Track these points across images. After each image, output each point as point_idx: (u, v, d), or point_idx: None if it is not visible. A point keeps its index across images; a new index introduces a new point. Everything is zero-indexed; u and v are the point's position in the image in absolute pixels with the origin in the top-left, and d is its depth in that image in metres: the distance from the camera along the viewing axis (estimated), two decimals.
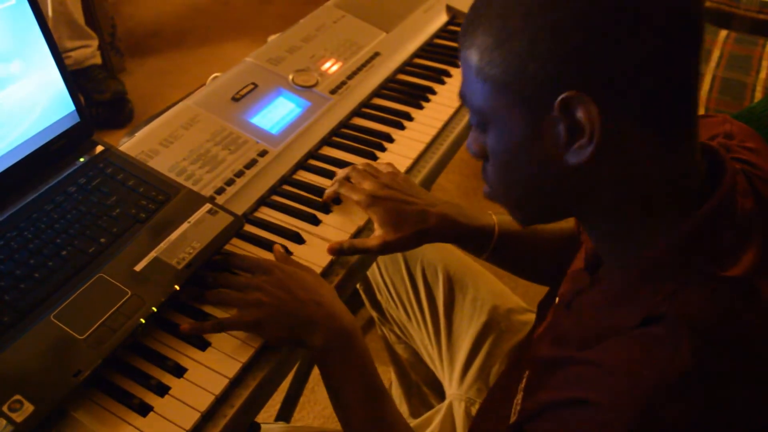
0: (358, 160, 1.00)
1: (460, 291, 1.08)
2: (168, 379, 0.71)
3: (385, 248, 0.85)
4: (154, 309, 0.74)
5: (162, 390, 0.70)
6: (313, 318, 0.74)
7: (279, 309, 0.74)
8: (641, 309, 0.54)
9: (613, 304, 0.58)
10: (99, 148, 0.91)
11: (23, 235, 0.78)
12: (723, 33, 1.87)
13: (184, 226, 0.83)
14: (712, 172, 0.58)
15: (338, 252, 0.86)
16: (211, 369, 0.73)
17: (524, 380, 0.69)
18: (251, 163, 0.96)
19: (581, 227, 0.73)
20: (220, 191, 0.91)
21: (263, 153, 0.98)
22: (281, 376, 0.81)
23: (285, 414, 1.44)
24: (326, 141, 1.06)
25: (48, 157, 0.87)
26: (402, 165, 1.03)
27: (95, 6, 2.39)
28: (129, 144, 0.95)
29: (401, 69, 1.24)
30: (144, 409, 0.68)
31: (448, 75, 1.24)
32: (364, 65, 1.20)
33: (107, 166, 0.88)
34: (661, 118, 0.54)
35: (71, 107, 0.90)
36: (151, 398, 0.70)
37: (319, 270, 0.85)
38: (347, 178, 0.92)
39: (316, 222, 0.92)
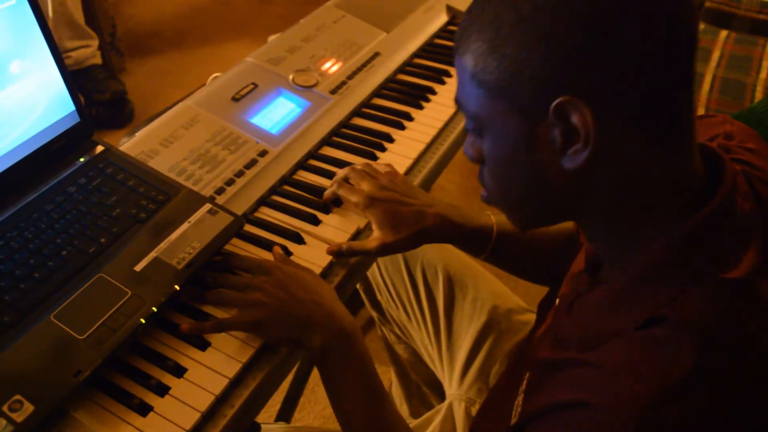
0: (358, 160, 1.00)
1: (460, 291, 1.08)
2: (168, 379, 0.71)
3: (384, 250, 0.85)
4: (154, 309, 0.74)
5: (162, 390, 0.70)
6: (313, 318, 0.74)
7: (279, 309, 0.74)
8: (642, 311, 0.54)
9: (613, 305, 0.58)
10: (99, 148, 0.91)
11: (23, 235, 0.78)
12: (723, 33, 1.87)
13: (185, 226, 0.83)
14: (712, 173, 0.58)
15: (337, 254, 0.87)
16: (211, 369, 0.73)
17: (525, 382, 0.69)
18: (251, 163, 0.96)
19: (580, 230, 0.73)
20: (220, 191, 0.91)
21: (263, 153, 0.98)
22: (281, 376, 0.81)
23: (285, 414, 1.44)
24: (326, 141, 1.06)
25: (48, 157, 0.87)
26: (402, 165, 1.03)
27: (95, 6, 2.39)
28: (129, 144, 0.95)
29: (401, 69, 1.24)
30: (144, 409, 0.69)
31: (448, 75, 1.24)
32: (364, 65, 1.20)
33: (107, 166, 0.88)
34: (657, 121, 0.54)
35: (71, 107, 0.90)
36: (151, 398, 0.70)
37: (319, 270, 0.85)
38: (346, 179, 0.92)
39: (316, 222, 0.92)
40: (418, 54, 1.29)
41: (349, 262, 0.89)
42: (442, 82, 1.22)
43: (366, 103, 1.15)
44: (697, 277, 0.54)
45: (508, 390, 0.74)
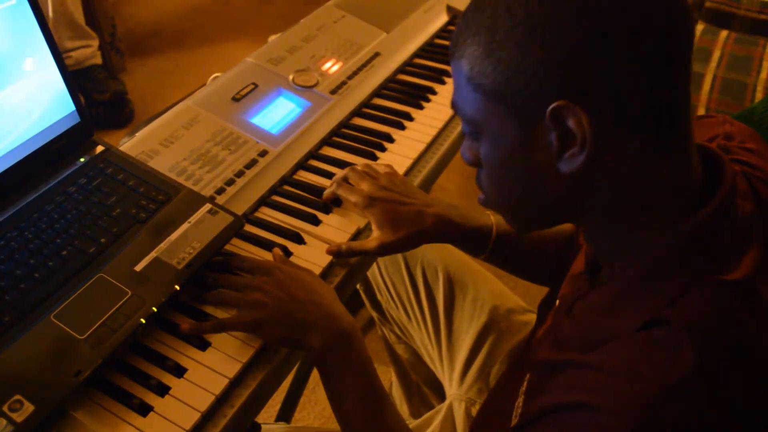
0: (359, 160, 1.00)
1: (460, 291, 1.08)
2: (168, 379, 0.72)
3: (383, 250, 0.85)
4: (154, 309, 0.74)
5: (162, 390, 0.70)
6: (313, 319, 0.74)
7: (279, 309, 0.74)
8: (642, 312, 0.54)
9: (613, 307, 0.58)
10: (99, 148, 0.91)
11: (24, 235, 0.78)
12: (723, 33, 1.86)
13: (185, 226, 0.83)
14: (711, 174, 0.58)
15: (337, 254, 0.87)
16: (211, 369, 0.73)
17: (525, 383, 0.69)
18: (251, 163, 0.96)
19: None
20: (220, 191, 0.91)
21: (263, 153, 0.98)
22: (281, 376, 0.81)
23: (285, 414, 1.44)
24: (326, 141, 1.06)
25: (48, 157, 0.87)
26: (402, 165, 1.03)
27: (95, 6, 2.39)
28: (129, 144, 0.95)
29: (401, 69, 1.24)
30: (144, 409, 0.69)
31: (449, 75, 1.24)
32: (364, 65, 1.20)
33: (107, 166, 0.88)
34: (654, 123, 0.54)
35: (71, 107, 0.90)
36: (151, 398, 0.70)
37: (319, 270, 0.85)
38: (345, 179, 0.92)
39: (316, 222, 0.92)
40: (418, 54, 1.29)
41: (349, 263, 0.89)
42: (443, 82, 1.22)
43: (366, 103, 1.15)
44: (697, 277, 0.54)
45: (508, 391, 0.74)
